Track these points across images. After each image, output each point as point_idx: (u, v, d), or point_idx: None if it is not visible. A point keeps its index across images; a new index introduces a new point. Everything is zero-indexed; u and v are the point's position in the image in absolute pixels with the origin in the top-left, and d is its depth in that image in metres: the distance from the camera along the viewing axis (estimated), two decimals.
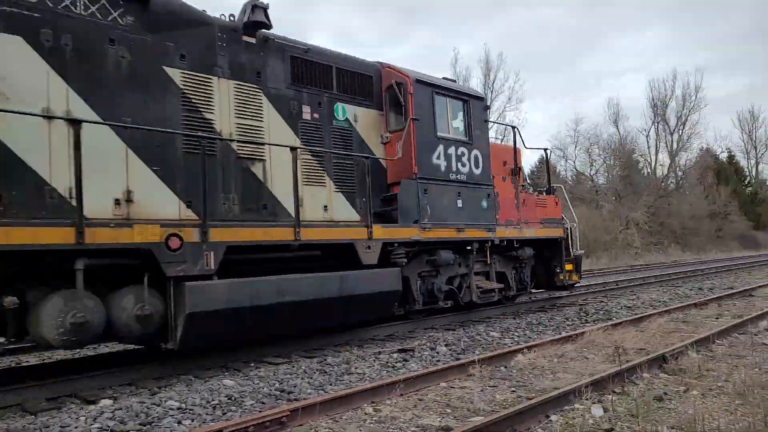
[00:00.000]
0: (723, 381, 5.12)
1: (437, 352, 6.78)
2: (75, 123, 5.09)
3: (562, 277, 10.83)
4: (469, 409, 4.59)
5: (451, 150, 8.88)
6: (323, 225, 7.23)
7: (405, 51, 72.30)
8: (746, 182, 53.34)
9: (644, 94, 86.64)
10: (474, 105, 9.40)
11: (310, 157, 7.43)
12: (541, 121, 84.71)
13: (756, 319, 8.23)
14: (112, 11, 5.88)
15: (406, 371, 5.85)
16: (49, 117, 5.24)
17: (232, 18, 6.92)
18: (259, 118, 6.99)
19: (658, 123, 44.09)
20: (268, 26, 7.02)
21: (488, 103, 13.24)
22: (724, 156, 51.42)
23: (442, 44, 77.56)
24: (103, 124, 5.53)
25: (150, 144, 5.91)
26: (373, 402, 4.79)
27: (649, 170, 44.86)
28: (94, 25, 5.71)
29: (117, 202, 5.64)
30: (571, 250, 11.08)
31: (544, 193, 11.38)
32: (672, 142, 44.11)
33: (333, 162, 7.69)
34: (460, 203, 8.86)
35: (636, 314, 9.36)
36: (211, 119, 6.51)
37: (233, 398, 5.03)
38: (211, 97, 6.53)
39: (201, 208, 5.84)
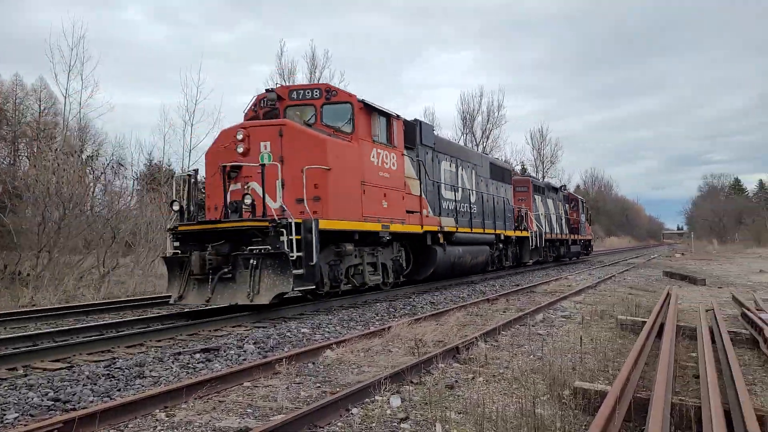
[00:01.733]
0: (504, 368, 5.69)
1: (244, 351, 6.53)
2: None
3: (588, 251, 35.03)
4: (272, 408, 4.46)
5: (583, 217, 32.86)
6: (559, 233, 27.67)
7: (230, 38, 69.63)
8: None
9: (456, 107, 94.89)
10: (583, 202, 34.68)
11: (567, 221, 29.19)
12: None
13: (534, 313, 9.36)
14: (546, 193, 26.09)
15: (209, 372, 5.53)
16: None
17: (563, 186, 31.88)
18: (558, 210, 27.47)
19: (466, 134, 48.36)
20: (562, 188, 30.91)
21: (577, 196, 34.66)
22: (518, 169, 58.13)
23: (270, 35, 76.34)
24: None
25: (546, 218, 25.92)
26: (166, 407, 4.42)
27: None
28: (533, 187, 24.79)
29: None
30: (590, 243, 36.42)
31: (588, 224, 34.41)
32: None
33: (557, 217, 27.28)
34: (581, 229, 31.71)
35: (438, 309, 10.04)
36: (545, 209, 25.37)
37: None
38: (541, 202, 25.10)
39: (556, 233, 26.89)
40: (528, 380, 5.10)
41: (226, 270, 8.74)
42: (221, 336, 7.52)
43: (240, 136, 9.66)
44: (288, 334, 7.63)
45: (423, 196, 12.97)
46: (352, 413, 4.30)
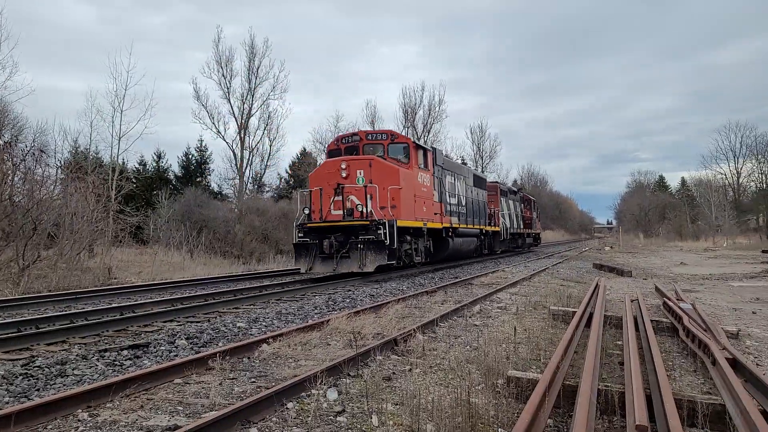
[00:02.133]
0: (441, 359, 5.75)
1: (176, 347, 6.30)
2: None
3: (537, 243, 41.25)
4: (203, 405, 4.32)
5: (534, 214, 38.74)
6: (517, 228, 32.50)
7: (164, 21, 66.98)
8: None
9: (398, 101, 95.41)
10: (534, 202, 40.23)
11: (523, 217, 33.92)
12: (305, 114, 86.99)
13: (471, 304, 9.52)
14: (508, 195, 31.02)
15: (138, 369, 5.30)
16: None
17: (512, 186, 37.35)
18: (516, 209, 32.38)
19: (408, 128, 48.52)
20: (525, 190, 42.51)
21: (530, 197, 38.13)
22: (459, 163, 58.93)
23: (207, 21, 74.04)
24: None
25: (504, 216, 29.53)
26: (89, 406, 4.20)
27: None
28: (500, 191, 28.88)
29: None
30: (539, 235, 43.34)
31: (538, 220, 41.52)
32: None
33: (515, 215, 31.97)
34: (533, 225, 37.68)
35: (377, 302, 10.04)
36: (507, 208, 29.85)
37: None
38: (505, 202, 29.76)
39: (515, 228, 32.13)
40: (464, 370, 5.18)
41: (344, 251, 13.82)
42: (152, 332, 7.24)
43: (344, 166, 14.71)
44: (223, 328, 7.44)
45: (440, 202, 18.22)
46: (287, 408, 4.22)
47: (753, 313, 9.46)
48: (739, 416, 3.66)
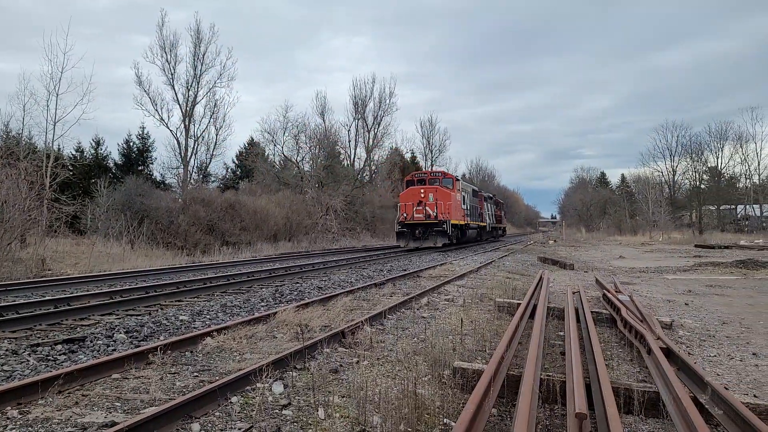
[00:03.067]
0: (389, 351, 5.76)
1: (114, 341, 6.06)
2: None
3: (504, 234, 56.63)
4: (143, 401, 4.18)
5: (503, 213, 54.90)
6: (493, 223, 44.99)
7: (105, 3, 64.06)
8: None
9: (348, 93, 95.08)
10: (503, 204, 57.17)
11: (495, 216, 45.96)
12: (255, 104, 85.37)
13: (419, 297, 9.60)
14: (488, 200, 42.70)
15: (73, 364, 5.06)
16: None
17: (494, 195, 50.24)
18: (492, 210, 43.66)
19: (358, 120, 48.45)
20: (494, 195, 48.48)
21: (500, 200, 52.94)
22: (408, 156, 59.40)
23: (150, 4, 71.31)
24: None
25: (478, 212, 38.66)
26: (20, 404, 3.98)
27: (348, 162, 48.88)
28: (483, 198, 40.75)
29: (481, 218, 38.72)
30: (505, 229, 58.04)
31: (504, 217, 56.64)
32: (369, 138, 49.07)
33: (491, 214, 43.42)
34: (502, 221, 52.32)
35: (325, 294, 9.99)
36: (487, 209, 41.56)
37: None
38: (486, 205, 41.49)
39: (492, 223, 44.99)
40: (411, 362, 5.20)
41: (425, 236, 26.10)
42: (88, 325, 6.93)
43: (422, 191, 26.51)
44: (165, 322, 7.21)
45: (462, 208, 29.25)
46: (231, 402, 4.13)
47: (686, 304, 9.95)
48: (672, 403, 3.83)
